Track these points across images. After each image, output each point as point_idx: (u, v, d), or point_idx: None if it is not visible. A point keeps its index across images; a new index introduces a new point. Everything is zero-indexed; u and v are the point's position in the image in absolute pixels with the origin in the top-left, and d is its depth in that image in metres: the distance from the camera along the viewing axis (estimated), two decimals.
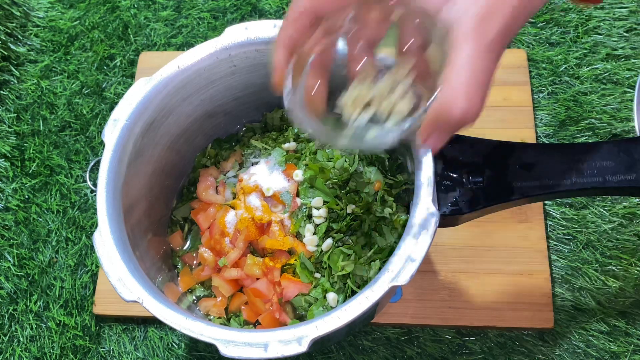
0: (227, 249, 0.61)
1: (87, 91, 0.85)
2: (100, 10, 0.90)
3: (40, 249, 0.76)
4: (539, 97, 0.78)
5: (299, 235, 0.60)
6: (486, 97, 0.33)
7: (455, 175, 0.52)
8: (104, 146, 0.53)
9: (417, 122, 0.39)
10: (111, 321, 0.72)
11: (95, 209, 0.51)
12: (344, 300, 0.56)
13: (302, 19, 0.39)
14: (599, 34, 0.80)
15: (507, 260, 0.69)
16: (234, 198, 0.63)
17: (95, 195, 0.52)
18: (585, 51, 0.80)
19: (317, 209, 0.59)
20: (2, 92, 0.85)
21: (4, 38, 0.85)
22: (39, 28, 0.90)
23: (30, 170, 0.80)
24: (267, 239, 0.59)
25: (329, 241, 0.58)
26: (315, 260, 0.59)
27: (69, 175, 0.80)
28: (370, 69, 0.43)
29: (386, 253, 0.57)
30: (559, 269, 0.70)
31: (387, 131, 0.42)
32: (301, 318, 0.59)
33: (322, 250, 0.58)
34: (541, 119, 0.77)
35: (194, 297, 0.62)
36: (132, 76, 0.85)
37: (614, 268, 0.69)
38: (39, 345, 0.71)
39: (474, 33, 0.33)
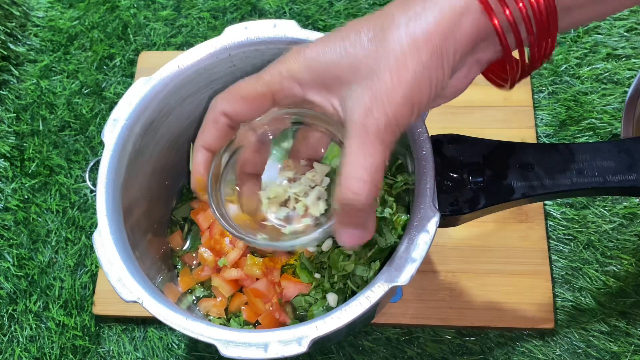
0: (227, 249, 0.61)
1: (86, 91, 0.85)
2: (100, 10, 0.90)
3: (40, 249, 0.76)
4: (539, 97, 0.78)
5: None
6: (376, 183, 0.37)
7: (455, 175, 0.51)
8: (103, 146, 0.53)
9: (329, 228, 0.42)
10: (111, 321, 0.72)
11: (95, 209, 0.51)
12: (344, 301, 0.56)
13: (221, 122, 0.41)
14: (600, 34, 0.80)
15: (507, 260, 0.69)
16: None
17: (94, 195, 0.52)
18: (586, 51, 0.79)
19: None
20: (1, 92, 0.85)
21: (4, 38, 0.85)
22: (39, 28, 0.90)
23: (30, 170, 0.80)
24: None
25: (329, 241, 0.58)
26: (315, 261, 0.59)
27: (69, 175, 0.80)
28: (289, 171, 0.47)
29: (386, 253, 0.57)
30: (560, 269, 0.70)
31: (301, 237, 0.45)
32: (301, 318, 0.59)
33: (322, 251, 0.58)
34: (541, 119, 0.77)
35: (194, 298, 0.62)
36: (132, 76, 0.85)
37: (614, 268, 0.69)
38: (38, 345, 0.71)
39: (361, 125, 0.36)
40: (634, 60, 0.78)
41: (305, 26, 0.85)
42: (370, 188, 0.36)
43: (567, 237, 0.71)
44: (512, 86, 0.41)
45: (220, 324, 0.59)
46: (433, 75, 0.36)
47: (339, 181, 0.37)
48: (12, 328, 0.72)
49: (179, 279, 0.63)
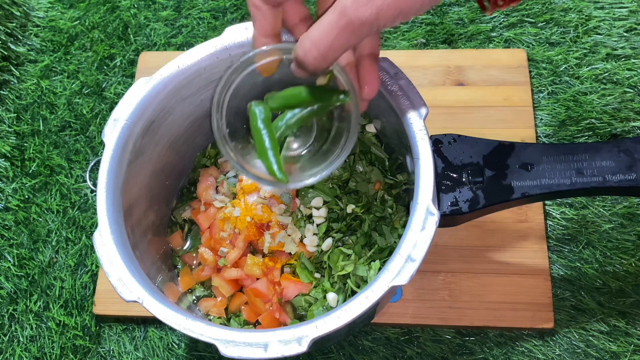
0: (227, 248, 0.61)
1: (87, 91, 0.85)
2: (100, 10, 0.90)
3: (40, 249, 0.76)
4: (539, 97, 0.78)
5: None
6: (326, 58, 0.39)
7: (455, 175, 0.52)
8: (104, 146, 0.53)
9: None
10: (111, 321, 0.72)
11: (95, 209, 0.51)
12: (344, 300, 0.56)
13: (258, 3, 0.42)
14: (599, 34, 0.80)
15: (507, 260, 0.69)
16: (234, 198, 0.63)
17: (95, 195, 0.52)
18: (585, 51, 0.80)
19: (317, 209, 0.59)
20: (2, 92, 0.85)
21: (4, 38, 0.85)
22: (39, 28, 0.90)
23: (30, 170, 0.80)
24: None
25: (329, 241, 0.58)
26: (315, 260, 0.59)
27: (69, 175, 0.80)
28: None
29: (386, 253, 0.57)
30: (559, 268, 0.70)
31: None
32: (301, 318, 0.59)
33: (322, 250, 0.58)
34: (541, 119, 0.77)
35: (194, 297, 0.62)
36: (132, 76, 0.85)
37: (614, 268, 0.69)
38: (39, 345, 0.71)
39: (344, 7, 0.37)
40: (633, 60, 0.78)
41: None
42: (317, 58, 0.39)
43: (566, 237, 0.71)
44: (492, 9, 0.42)
45: (220, 323, 0.59)
46: None
47: (303, 35, 0.39)
48: (13, 328, 0.72)
49: (179, 278, 0.63)
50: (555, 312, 0.67)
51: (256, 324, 0.60)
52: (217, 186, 0.64)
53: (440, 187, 0.51)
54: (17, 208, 0.78)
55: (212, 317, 0.61)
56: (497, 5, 0.42)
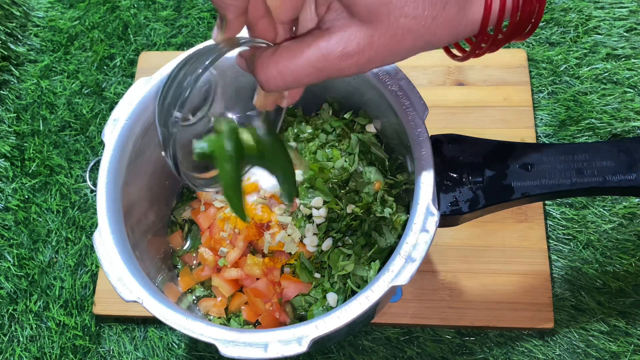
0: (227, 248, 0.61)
1: (87, 91, 0.85)
2: (100, 10, 0.90)
3: (40, 249, 0.76)
4: (539, 97, 0.78)
5: None
6: (288, 86, 0.37)
7: (455, 175, 0.52)
8: (103, 146, 0.53)
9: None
10: (111, 321, 0.72)
11: (95, 209, 0.51)
12: (344, 301, 0.56)
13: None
14: (599, 34, 0.80)
15: (507, 260, 0.69)
16: None
17: (95, 195, 0.52)
18: (585, 51, 0.80)
19: (317, 209, 0.59)
20: (2, 92, 0.85)
21: (4, 38, 0.85)
22: (39, 28, 0.90)
23: (30, 170, 0.80)
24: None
25: (329, 241, 0.58)
26: (315, 260, 0.59)
27: (69, 175, 0.80)
28: None
29: (386, 253, 0.57)
30: (559, 269, 0.70)
31: None
32: (301, 318, 0.59)
33: (322, 250, 0.58)
34: (541, 119, 0.77)
35: (194, 297, 0.62)
36: (132, 76, 0.85)
37: (614, 268, 0.69)
38: (39, 345, 0.71)
39: (325, 45, 0.35)
40: (633, 60, 0.78)
41: None
42: (280, 86, 0.37)
43: (566, 237, 0.71)
44: (466, 59, 0.42)
45: (220, 323, 0.59)
46: (416, 51, 0.36)
47: (267, 54, 0.37)
48: (13, 328, 0.72)
49: (179, 278, 0.63)
50: (555, 312, 0.67)
51: (256, 324, 0.60)
52: None
53: (440, 187, 0.51)
54: (17, 208, 0.78)
55: (212, 317, 0.61)
56: (474, 54, 0.42)
